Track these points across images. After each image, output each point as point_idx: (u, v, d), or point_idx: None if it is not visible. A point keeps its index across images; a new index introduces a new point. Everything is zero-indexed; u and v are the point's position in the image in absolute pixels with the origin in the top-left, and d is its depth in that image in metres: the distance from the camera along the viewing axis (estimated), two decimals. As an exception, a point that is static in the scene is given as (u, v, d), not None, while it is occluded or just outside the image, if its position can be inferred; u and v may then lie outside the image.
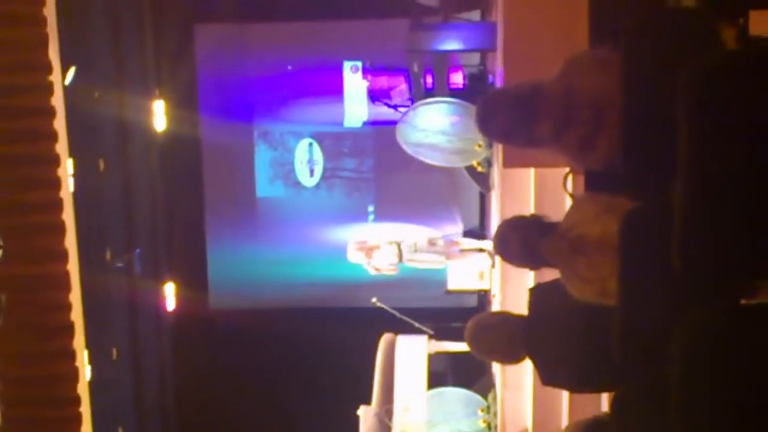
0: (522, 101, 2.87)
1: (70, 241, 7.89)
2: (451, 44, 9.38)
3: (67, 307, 7.87)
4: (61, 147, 7.79)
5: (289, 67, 13.05)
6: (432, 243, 9.45)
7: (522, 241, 3.19)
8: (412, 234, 9.70)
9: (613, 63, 2.69)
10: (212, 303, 13.33)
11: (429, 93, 9.58)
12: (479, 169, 9.03)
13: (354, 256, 9.48)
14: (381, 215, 13.16)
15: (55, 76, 7.75)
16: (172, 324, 12.72)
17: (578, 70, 2.81)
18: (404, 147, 9.02)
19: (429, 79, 9.82)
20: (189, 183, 13.16)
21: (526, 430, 7.77)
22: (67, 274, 7.81)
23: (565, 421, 7.05)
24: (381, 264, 9.37)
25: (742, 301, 2.58)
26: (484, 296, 10.27)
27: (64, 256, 7.80)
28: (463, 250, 9.47)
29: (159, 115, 11.75)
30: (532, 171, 7.30)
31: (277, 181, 13.43)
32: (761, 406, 2.38)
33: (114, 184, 11.07)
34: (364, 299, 9.76)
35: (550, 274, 3.29)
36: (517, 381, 7.78)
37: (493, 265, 9.09)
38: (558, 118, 2.78)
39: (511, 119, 2.91)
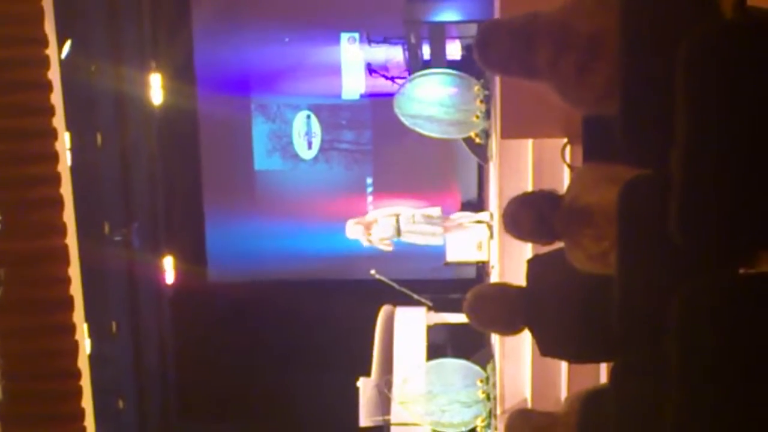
0: (519, 30, 2.85)
1: (69, 215, 7.89)
2: (449, 15, 9.34)
3: (67, 280, 7.88)
4: (58, 121, 7.77)
5: (286, 39, 13.01)
6: (430, 215, 9.45)
7: (536, 217, 3.17)
8: (410, 207, 9.69)
9: (613, 12, 2.67)
10: (211, 276, 13.34)
11: (426, 64, 9.55)
12: (477, 140, 9.01)
13: (353, 232, 9.48)
14: (379, 187, 13.16)
15: (52, 50, 7.73)
16: (171, 297, 12.75)
17: (577, 4, 2.79)
18: (402, 119, 9.01)
19: (426, 51, 9.78)
20: (187, 156, 13.15)
21: (525, 400, 7.80)
22: (65, 248, 7.82)
23: (564, 392, 7.08)
24: (377, 238, 9.38)
25: (741, 271, 2.58)
26: (482, 267, 10.28)
27: (62, 230, 7.80)
28: (461, 223, 9.48)
29: (156, 89, 11.72)
30: (530, 142, 7.29)
31: (275, 153, 13.42)
32: (760, 376, 2.39)
33: (112, 157, 11.06)
34: (363, 271, 9.77)
35: (549, 245, 3.29)
36: (516, 352, 7.80)
37: (491, 237, 9.10)
38: (555, 45, 2.76)
39: (509, 48, 2.88)
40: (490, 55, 2.98)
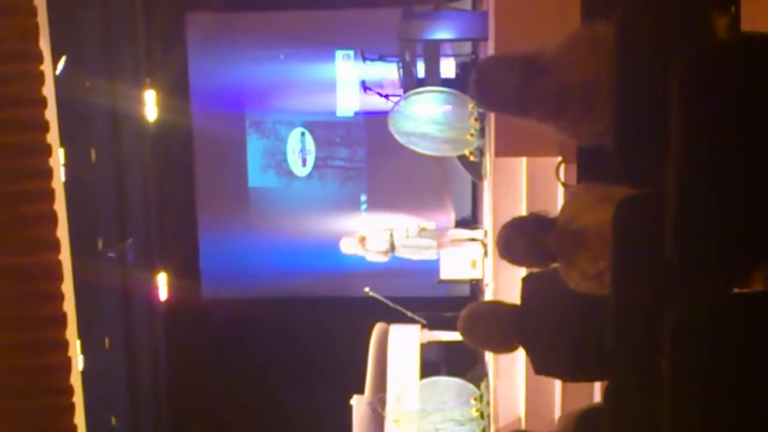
0: (517, 74, 2.86)
1: (62, 231, 7.87)
2: (443, 33, 9.37)
3: (60, 297, 7.85)
4: (53, 137, 7.76)
5: (281, 56, 13.03)
6: (424, 230, 9.46)
7: (528, 241, 3.18)
8: (404, 222, 9.69)
9: (607, 45, 2.69)
10: (205, 293, 13.32)
11: (421, 82, 9.57)
12: (471, 158, 9.03)
13: (348, 248, 9.48)
14: (373, 205, 13.16)
15: (46, 66, 7.72)
16: (165, 313, 12.72)
17: (573, 45, 2.80)
18: (396, 136, 9.02)
19: (421, 68, 9.80)
20: (181, 173, 13.14)
21: (518, 419, 7.79)
22: (59, 264, 7.79)
23: (558, 411, 7.07)
24: (374, 250, 9.37)
25: (735, 290, 2.59)
26: (476, 285, 10.28)
27: (56, 245, 7.77)
28: (455, 240, 9.48)
29: (150, 105, 11.72)
30: (524, 160, 7.31)
31: (270, 170, 13.42)
32: (752, 395, 2.39)
33: (106, 173, 11.05)
34: (357, 288, 9.76)
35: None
36: (510, 370, 7.79)
37: (485, 254, 9.10)
38: (554, 91, 2.77)
39: (507, 92, 2.90)
40: (488, 99, 3.02)
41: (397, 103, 9.16)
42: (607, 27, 2.75)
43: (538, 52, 2.87)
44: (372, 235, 9.41)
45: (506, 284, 7.45)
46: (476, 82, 3.02)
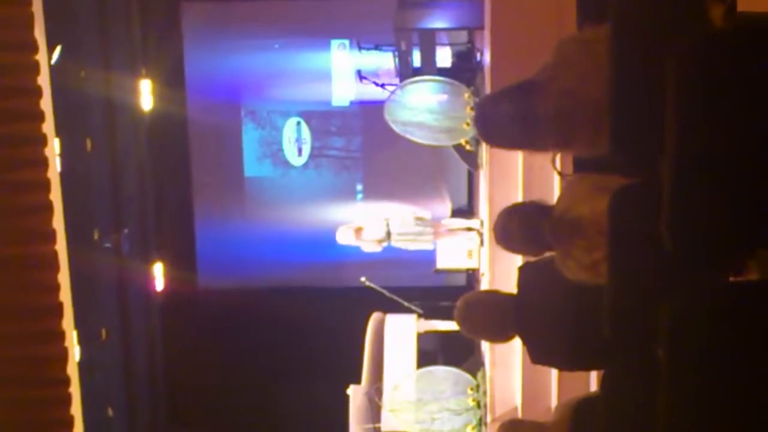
0: (515, 100, 2.85)
1: (58, 222, 7.85)
2: (439, 22, 9.35)
3: (56, 287, 7.83)
4: (48, 127, 7.74)
5: (277, 46, 13.01)
6: (421, 217, 9.45)
7: (525, 228, 3.17)
8: (400, 212, 9.68)
9: (602, 52, 2.67)
10: (201, 283, 13.32)
11: (416, 71, 9.55)
12: (467, 147, 9.02)
13: (344, 239, 9.47)
14: (369, 194, 13.16)
15: (41, 56, 7.69)
16: (161, 304, 12.72)
17: (568, 64, 2.78)
18: (392, 126, 9.01)
19: (417, 57, 9.79)
20: (177, 162, 13.14)
21: (515, 408, 7.80)
22: (55, 255, 7.77)
23: (554, 400, 7.08)
24: (370, 238, 9.36)
25: (731, 279, 2.59)
26: (472, 275, 10.28)
27: (52, 236, 7.76)
28: (451, 229, 9.47)
29: (146, 95, 11.70)
30: (520, 149, 7.29)
31: (266, 160, 13.41)
32: (749, 384, 2.39)
33: (101, 163, 11.03)
34: (353, 278, 9.75)
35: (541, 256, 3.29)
36: (507, 359, 7.80)
37: (481, 244, 9.10)
38: (555, 101, 2.76)
39: (512, 137, 2.90)
40: (495, 142, 3.02)
41: (393, 92, 9.14)
42: (597, 28, 2.74)
43: (532, 76, 2.86)
44: (368, 225, 9.40)
45: (502, 274, 7.46)
46: (479, 126, 3.01)
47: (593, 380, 5.46)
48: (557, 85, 2.75)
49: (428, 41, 9.56)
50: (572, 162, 3.34)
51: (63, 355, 7.92)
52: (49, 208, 7.74)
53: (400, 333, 9.11)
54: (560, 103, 2.74)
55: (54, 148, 7.95)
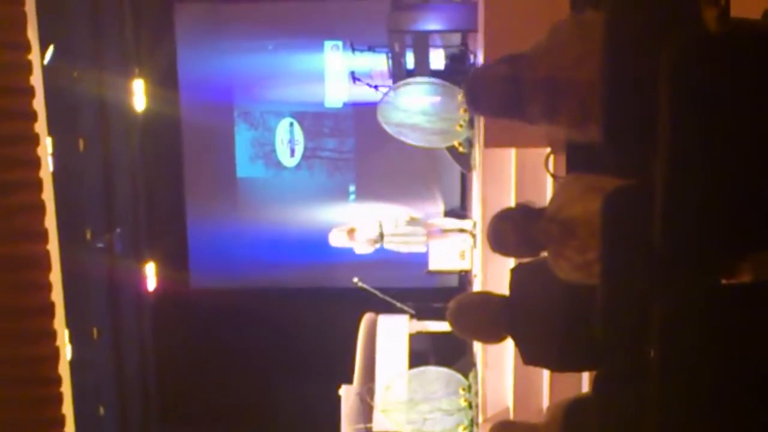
0: (509, 83, 2.86)
1: (50, 221, 7.84)
2: (432, 24, 9.36)
3: (48, 286, 7.82)
4: (41, 126, 7.72)
5: (270, 47, 13.01)
6: (414, 218, 9.45)
7: (518, 232, 3.18)
8: (393, 213, 9.69)
9: (595, 39, 2.68)
10: (193, 283, 13.31)
11: (410, 73, 9.56)
12: (460, 149, 9.02)
13: (337, 240, 9.46)
14: (362, 195, 13.16)
15: (34, 55, 7.68)
16: (153, 303, 12.70)
17: (561, 41, 2.80)
18: (385, 127, 9.01)
19: (410, 59, 9.79)
20: (169, 163, 13.13)
21: (507, 409, 7.81)
22: (47, 254, 7.76)
23: (546, 401, 7.09)
24: (364, 239, 9.35)
25: (723, 281, 2.60)
26: (465, 276, 10.28)
27: (44, 235, 7.75)
28: (444, 230, 9.48)
29: (139, 95, 11.69)
30: (513, 151, 7.31)
31: (258, 161, 13.41)
32: (740, 384, 2.40)
33: (94, 163, 11.02)
34: (346, 279, 9.75)
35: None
36: (498, 360, 7.81)
37: (474, 245, 9.11)
38: (547, 102, 2.77)
39: (500, 100, 2.90)
40: (481, 105, 3.02)
41: (386, 93, 9.15)
42: (594, 15, 2.75)
43: (526, 50, 2.87)
44: (361, 226, 9.40)
45: (495, 275, 7.46)
46: (468, 89, 3.02)
47: (585, 381, 5.47)
48: (549, 58, 2.77)
49: (422, 43, 9.58)
50: (565, 163, 3.35)
51: (54, 354, 7.91)
52: (41, 207, 7.72)
53: (392, 333, 9.11)
54: (549, 72, 2.75)
55: (46, 147, 7.95)
